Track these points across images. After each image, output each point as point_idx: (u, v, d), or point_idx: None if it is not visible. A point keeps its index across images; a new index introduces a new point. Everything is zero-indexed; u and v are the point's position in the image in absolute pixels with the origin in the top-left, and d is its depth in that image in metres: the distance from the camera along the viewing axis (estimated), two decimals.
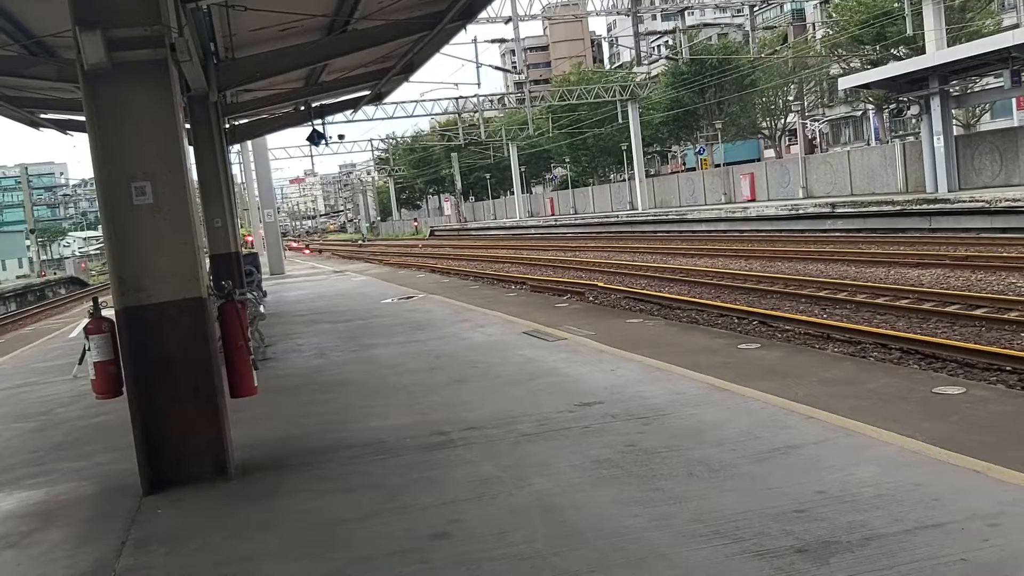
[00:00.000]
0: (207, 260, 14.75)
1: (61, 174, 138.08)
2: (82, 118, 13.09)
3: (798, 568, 3.75)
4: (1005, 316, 11.00)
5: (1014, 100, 40.40)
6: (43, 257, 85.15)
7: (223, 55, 12.96)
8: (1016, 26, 38.59)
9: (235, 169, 41.49)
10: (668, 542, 4.17)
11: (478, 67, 44.01)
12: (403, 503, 5.11)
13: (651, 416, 6.49)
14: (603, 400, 7.13)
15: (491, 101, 61.82)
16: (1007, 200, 23.49)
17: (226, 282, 6.98)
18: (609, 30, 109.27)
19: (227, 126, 18.89)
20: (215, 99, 13.90)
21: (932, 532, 4.01)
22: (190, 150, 13.71)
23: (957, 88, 31.31)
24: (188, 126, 13.17)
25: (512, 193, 73.90)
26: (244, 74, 13.31)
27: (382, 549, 4.44)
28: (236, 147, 35.72)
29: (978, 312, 11.45)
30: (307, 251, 62.96)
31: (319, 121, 19.90)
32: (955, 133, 32.17)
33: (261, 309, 12.09)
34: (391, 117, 54.40)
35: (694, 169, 57.37)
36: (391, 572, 4.15)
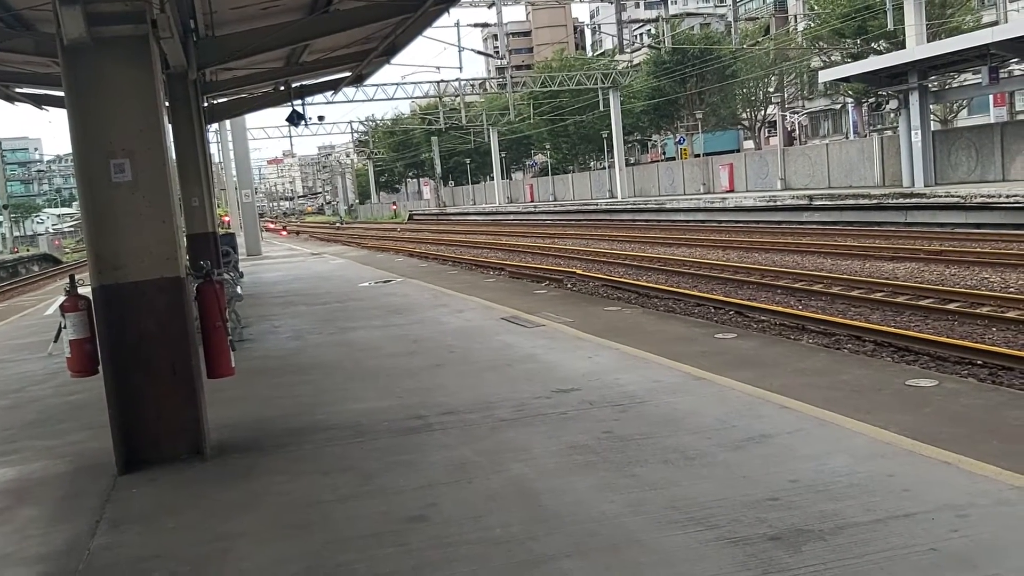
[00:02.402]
0: (184, 239, 14.62)
1: (35, 149, 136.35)
2: (58, 93, 12.91)
3: (771, 555, 3.80)
4: (977, 311, 11.14)
5: (991, 97, 40.73)
6: (16, 233, 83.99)
7: (203, 32, 12.81)
8: (995, 23, 38.93)
9: (213, 148, 41.16)
10: (643, 528, 4.21)
11: (460, 51, 43.94)
12: (380, 486, 5.12)
13: (628, 403, 6.54)
14: (580, 387, 7.17)
15: (472, 85, 61.57)
16: (982, 196, 23.74)
17: (204, 262, 6.93)
18: (592, 17, 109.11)
19: (206, 105, 18.70)
20: (194, 77, 13.73)
21: (903, 522, 4.07)
22: (168, 128, 13.60)
23: (936, 83, 31.60)
24: (167, 104, 13.03)
25: (492, 178, 73.74)
26: (224, 52, 13.15)
27: (358, 531, 4.45)
28: (214, 126, 35.43)
29: (951, 306, 11.59)
30: (284, 233, 62.58)
31: (299, 102, 19.74)
32: (932, 128, 32.44)
33: (238, 290, 12.03)
34: (372, 99, 54.16)
35: (674, 159, 57.47)
36: (367, 554, 4.16)
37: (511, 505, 4.66)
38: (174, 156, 14.26)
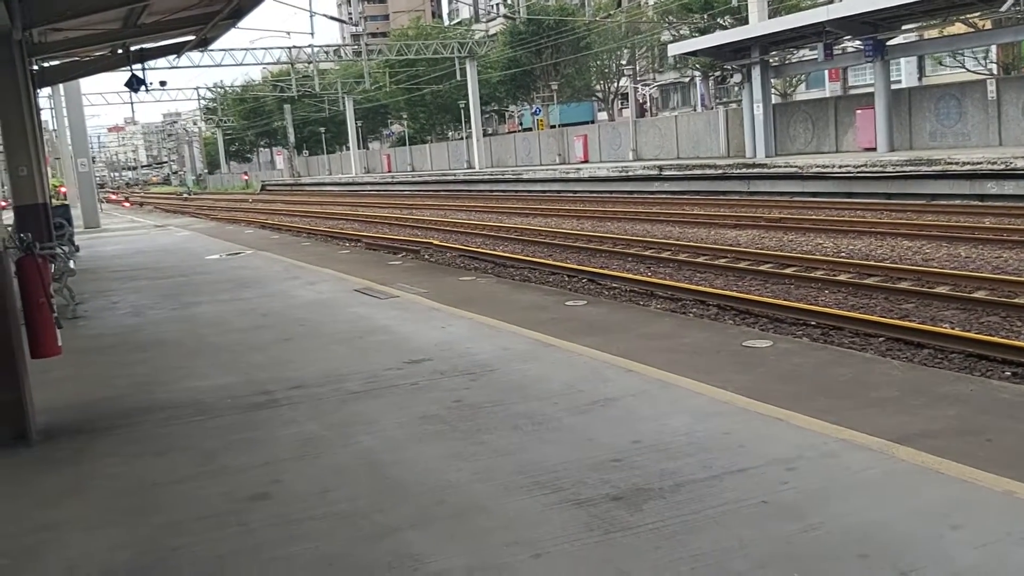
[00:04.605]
0: (11, 212, 13.74)
1: None
2: None
3: (613, 515, 3.88)
4: (812, 275, 11.75)
5: (827, 72, 42.93)
6: None
7: None
8: (831, 2, 40.95)
9: (45, 115, 38.67)
10: (490, 494, 4.22)
11: (312, 16, 42.76)
12: (222, 465, 4.94)
13: (479, 372, 6.55)
14: (432, 357, 7.13)
15: (326, 52, 60.03)
16: (817, 166, 25.05)
17: (25, 235, 6.47)
18: None
19: (35, 68, 17.51)
20: (19, 37, 12.84)
21: (737, 477, 4.24)
22: None
23: (776, 59, 32.95)
24: None
25: (348, 148, 72.34)
26: (53, 11, 12.35)
27: (197, 513, 4.27)
28: (47, 91, 33.21)
29: (788, 271, 12.18)
30: (127, 204, 59.53)
31: (139, 66, 18.77)
32: (773, 101, 33.90)
33: (71, 264, 11.36)
34: (219, 65, 51.95)
35: (530, 129, 57.90)
36: (205, 536, 4.00)
37: (359, 478, 4.58)
38: None
